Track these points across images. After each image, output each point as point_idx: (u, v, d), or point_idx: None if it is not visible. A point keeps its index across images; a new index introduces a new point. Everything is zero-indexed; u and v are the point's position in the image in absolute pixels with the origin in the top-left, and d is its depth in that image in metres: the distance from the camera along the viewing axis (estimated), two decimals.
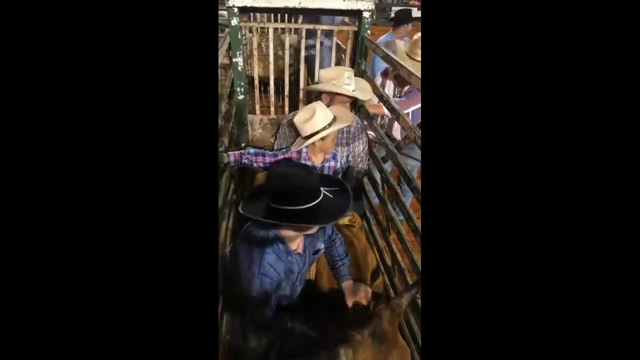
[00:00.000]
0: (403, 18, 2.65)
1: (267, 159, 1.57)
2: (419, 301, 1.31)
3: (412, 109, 2.02)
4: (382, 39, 2.58)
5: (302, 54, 2.23)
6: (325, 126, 1.42)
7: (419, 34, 1.96)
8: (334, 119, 1.45)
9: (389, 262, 1.66)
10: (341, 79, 1.56)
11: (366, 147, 1.76)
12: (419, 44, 1.88)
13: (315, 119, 1.41)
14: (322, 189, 1.10)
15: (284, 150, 1.58)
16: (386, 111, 1.95)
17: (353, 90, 1.58)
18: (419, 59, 1.86)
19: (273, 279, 1.11)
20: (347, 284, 1.33)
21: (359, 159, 1.75)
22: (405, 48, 1.96)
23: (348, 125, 1.73)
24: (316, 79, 2.31)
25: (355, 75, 1.94)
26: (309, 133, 1.43)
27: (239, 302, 1.14)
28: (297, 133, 1.51)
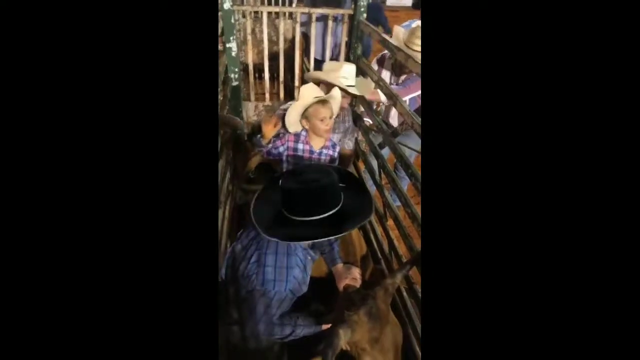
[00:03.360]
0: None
1: (264, 148, 1.55)
2: (417, 287, 1.33)
3: (410, 96, 2.00)
4: (405, 24, 2.47)
5: (297, 39, 2.19)
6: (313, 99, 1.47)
7: (418, 22, 1.90)
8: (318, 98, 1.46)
9: (386, 248, 1.67)
10: (338, 72, 1.58)
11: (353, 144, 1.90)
12: (418, 33, 1.82)
13: (299, 98, 1.48)
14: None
15: (281, 134, 1.57)
16: (383, 98, 1.93)
17: (347, 85, 1.58)
18: (417, 48, 1.81)
19: (295, 293, 1.09)
20: (337, 267, 1.29)
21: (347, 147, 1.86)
22: (404, 36, 1.92)
23: (343, 117, 1.75)
24: (311, 65, 2.28)
25: (351, 61, 1.92)
26: (291, 108, 1.51)
27: (246, 308, 1.09)
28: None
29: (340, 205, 1.01)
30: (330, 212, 0.99)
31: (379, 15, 3.95)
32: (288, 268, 1.07)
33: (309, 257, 1.19)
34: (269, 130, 1.51)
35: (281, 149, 1.55)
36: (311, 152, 1.55)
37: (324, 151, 1.57)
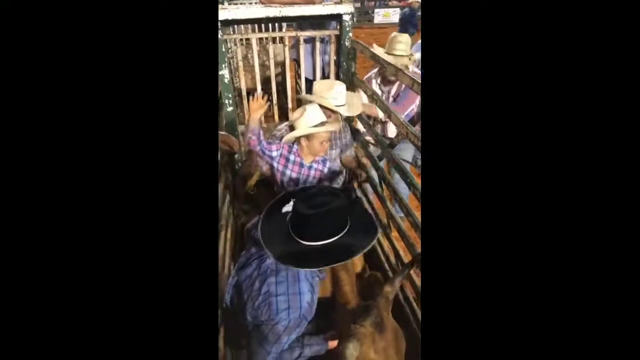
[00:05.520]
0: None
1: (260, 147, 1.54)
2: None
3: (406, 113, 2.05)
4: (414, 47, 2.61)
5: (287, 62, 2.25)
6: (312, 127, 1.46)
7: (395, 33, 2.13)
8: (323, 123, 1.47)
9: (393, 260, 1.65)
10: (329, 92, 1.60)
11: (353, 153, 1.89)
12: (395, 40, 2.02)
13: (303, 118, 1.47)
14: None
15: (277, 142, 1.58)
16: (379, 113, 1.96)
17: (337, 105, 1.59)
18: (398, 53, 1.98)
19: (308, 318, 1.07)
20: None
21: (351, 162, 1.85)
22: (385, 48, 2.03)
23: (341, 133, 1.75)
24: (302, 85, 2.33)
25: (341, 78, 1.96)
26: (296, 130, 1.50)
27: (256, 340, 1.07)
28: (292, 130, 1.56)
29: (348, 227, 1.01)
30: (340, 235, 0.99)
31: (413, 18, 4.44)
32: (300, 294, 1.05)
33: (317, 279, 1.17)
34: (257, 109, 1.47)
35: (274, 153, 1.55)
36: (301, 165, 1.57)
37: (314, 165, 1.58)
